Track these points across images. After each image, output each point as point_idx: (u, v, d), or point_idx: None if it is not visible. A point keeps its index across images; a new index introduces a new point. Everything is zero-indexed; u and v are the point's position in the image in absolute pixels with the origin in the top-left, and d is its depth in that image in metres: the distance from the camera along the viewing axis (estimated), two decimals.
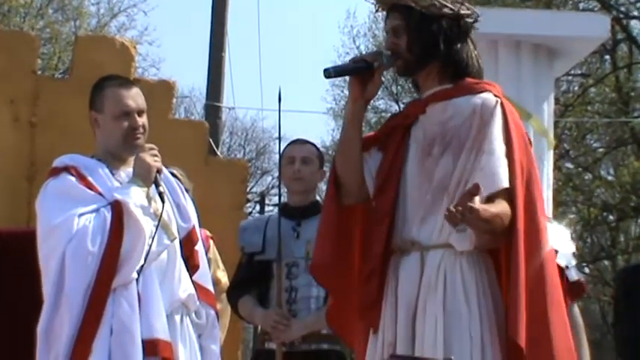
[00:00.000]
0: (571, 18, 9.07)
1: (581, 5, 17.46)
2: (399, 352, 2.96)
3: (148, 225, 3.30)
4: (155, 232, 3.31)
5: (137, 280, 3.29)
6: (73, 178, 3.36)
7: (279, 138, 4.66)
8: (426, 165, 3.02)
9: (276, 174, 4.38)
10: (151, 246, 3.29)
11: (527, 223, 2.94)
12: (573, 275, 3.99)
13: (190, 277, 3.49)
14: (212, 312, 3.58)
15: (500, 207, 2.90)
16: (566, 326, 3.00)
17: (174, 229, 3.42)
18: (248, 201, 22.50)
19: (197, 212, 3.65)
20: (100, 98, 3.46)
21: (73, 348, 3.21)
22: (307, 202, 4.44)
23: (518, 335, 2.86)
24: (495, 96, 3.03)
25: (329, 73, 3.08)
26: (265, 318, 4.30)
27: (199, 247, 3.56)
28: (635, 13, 18.27)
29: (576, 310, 4.03)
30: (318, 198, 4.58)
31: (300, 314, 4.29)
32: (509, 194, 2.93)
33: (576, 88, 18.46)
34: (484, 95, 3.03)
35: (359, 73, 3.08)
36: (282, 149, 4.54)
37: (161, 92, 6.97)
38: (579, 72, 17.72)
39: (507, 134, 2.98)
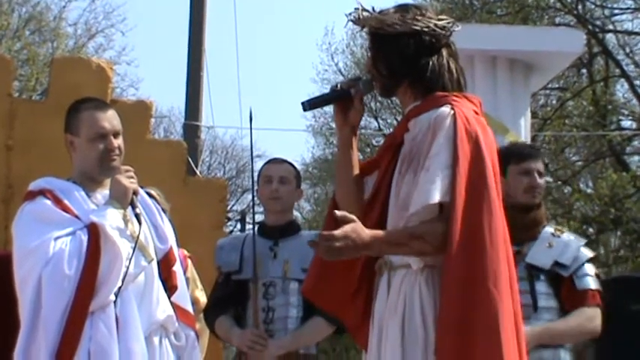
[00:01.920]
0: (546, 33, 9.11)
1: (557, 20, 17.59)
2: None
3: (124, 247, 3.30)
4: (132, 254, 3.31)
5: (115, 302, 3.29)
6: (48, 202, 3.36)
7: (252, 157, 4.69)
8: (398, 184, 3.00)
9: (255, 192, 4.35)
10: (128, 268, 3.29)
11: (464, 241, 2.83)
12: (583, 284, 3.92)
13: (169, 298, 3.48)
14: (191, 333, 3.58)
15: (402, 231, 2.86)
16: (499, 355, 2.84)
17: (151, 251, 3.42)
18: (229, 219, 22.52)
19: (175, 232, 3.64)
20: (76, 121, 3.46)
21: None
22: (284, 221, 4.44)
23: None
24: (452, 109, 2.96)
25: (305, 107, 3.09)
26: (242, 338, 4.28)
27: (177, 268, 3.56)
28: (611, 27, 18.41)
29: (587, 310, 3.92)
30: (297, 214, 4.58)
31: (277, 334, 4.28)
32: (447, 211, 2.85)
33: (554, 102, 18.57)
34: (441, 109, 2.96)
35: (337, 102, 3.09)
36: (259, 168, 4.56)
37: (138, 112, 6.97)
38: (557, 86, 17.83)
39: (454, 147, 2.89)
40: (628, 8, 18.38)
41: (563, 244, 3.99)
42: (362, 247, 2.82)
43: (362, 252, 2.86)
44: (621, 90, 18.98)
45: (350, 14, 3.08)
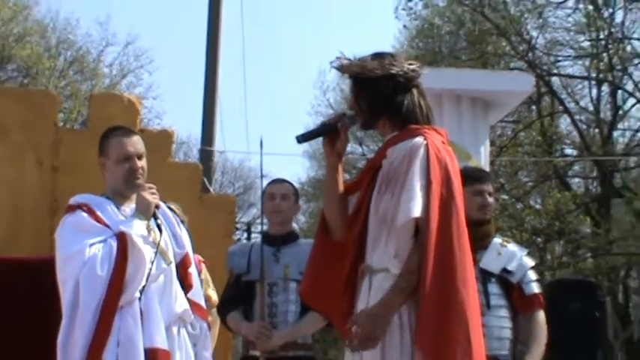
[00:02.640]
0: (502, 76, 9.15)
1: (511, 65, 17.65)
2: None
3: (148, 252, 3.28)
4: (154, 258, 3.29)
5: (140, 298, 3.27)
6: (85, 214, 3.35)
7: (262, 177, 4.68)
8: (377, 201, 2.99)
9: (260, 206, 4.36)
10: (151, 269, 3.27)
11: (438, 249, 2.84)
12: (530, 289, 3.94)
13: (185, 294, 3.46)
14: (204, 324, 3.55)
15: (400, 279, 2.85)
16: (468, 343, 2.82)
17: (170, 255, 3.40)
18: (237, 229, 22.44)
19: (191, 240, 3.62)
20: (106, 146, 3.45)
21: (86, 357, 3.18)
22: (285, 231, 4.43)
23: (424, 347, 2.81)
24: (425, 139, 2.96)
25: (299, 140, 3.08)
26: (250, 330, 4.26)
27: (192, 270, 3.53)
28: (555, 71, 18.48)
29: (539, 317, 3.94)
30: (295, 225, 4.58)
31: (279, 326, 4.26)
32: (424, 223, 2.86)
33: (509, 133, 18.59)
34: (415, 139, 2.96)
35: (326, 134, 3.07)
36: (264, 187, 4.54)
37: (162, 140, 6.95)
38: (511, 119, 17.86)
39: (427, 171, 2.90)
40: (569, 56, 18.50)
41: (510, 253, 3.99)
42: (382, 314, 2.82)
43: (387, 315, 2.82)
44: (564, 123, 19.06)
45: (332, 62, 3.06)
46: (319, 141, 3.14)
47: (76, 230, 3.32)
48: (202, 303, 3.57)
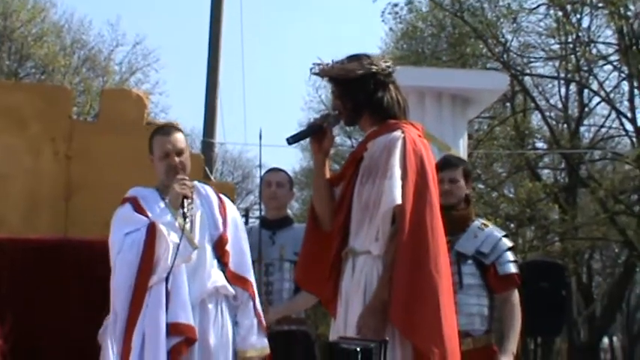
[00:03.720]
0: (479, 75, 9.16)
1: (487, 65, 17.66)
2: (338, 334, 2.94)
3: (173, 238, 3.32)
4: (180, 243, 3.31)
5: (167, 278, 3.30)
6: (131, 207, 3.42)
7: (260, 166, 4.69)
8: (360, 190, 2.99)
9: (258, 193, 4.36)
10: (177, 253, 3.29)
11: (412, 233, 2.84)
12: (504, 269, 3.83)
13: (224, 271, 3.44)
14: (245, 294, 3.50)
15: (386, 267, 2.86)
16: (437, 319, 2.83)
17: (206, 239, 3.41)
18: None
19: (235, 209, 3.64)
20: (152, 145, 3.51)
21: (125, 329, 3.26)
22: (280, 216, 4.44)
23: (396, 322, 2.83)
24: (402, 133, 2.95)
25: (289, 141, 3.08)
26: None
27: (229, 247, 3.48)
28: (528, 71, 18.50)
29: (512, 297, 3.84)
30: (289, 212, 4.59)
31: (275, 303, 4.27)
32: (400, 210, 2.87)
33: (485, 127, 18.62)
34: (394, 133, 2.96)
35: (313, 134, 3.06)
36: (262, 175, 4.54)
37: None
38: (487, 115, 17.88)
39: (404, 162, 2.90)
40: (541, 57, 18.51)
41: (485, 235, 3.88)
42: (380, 308, 2.81)
43: (384, 306, 2.81)
44: (535, 119, 19.08)
45: (312, 69, 3.03)
46: None
47: (120, 221, 3.40)
48: (245, 274, 3.51)
